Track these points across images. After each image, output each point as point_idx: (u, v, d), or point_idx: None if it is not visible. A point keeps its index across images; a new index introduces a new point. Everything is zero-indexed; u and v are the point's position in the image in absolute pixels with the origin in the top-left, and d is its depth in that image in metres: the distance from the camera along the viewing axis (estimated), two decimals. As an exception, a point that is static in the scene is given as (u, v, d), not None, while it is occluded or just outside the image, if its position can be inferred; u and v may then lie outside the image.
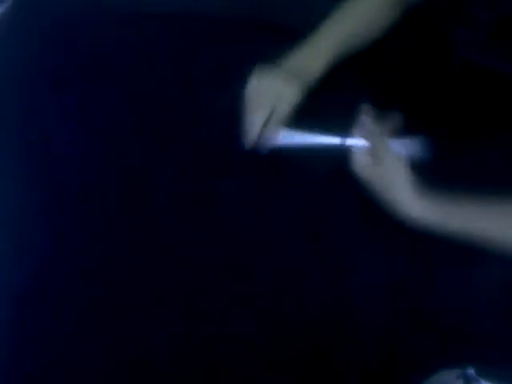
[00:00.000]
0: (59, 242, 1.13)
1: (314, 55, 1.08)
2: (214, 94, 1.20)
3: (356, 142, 1.03)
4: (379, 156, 1.00)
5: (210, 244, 1.12)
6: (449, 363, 0.98)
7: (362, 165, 1.01)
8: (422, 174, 1.02)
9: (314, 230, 1.11)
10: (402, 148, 1.05)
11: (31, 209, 1.15)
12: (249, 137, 1.07)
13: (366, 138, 1.01)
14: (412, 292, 1.05)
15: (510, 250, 0.96)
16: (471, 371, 0.94)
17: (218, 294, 1.09)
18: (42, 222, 1.14)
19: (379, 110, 1.04)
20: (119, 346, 1.07)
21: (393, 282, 1.05)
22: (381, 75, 1.15)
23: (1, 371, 1.06)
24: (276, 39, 1.20)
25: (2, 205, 1.15)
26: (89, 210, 1.14)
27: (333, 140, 1.06)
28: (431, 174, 1.03)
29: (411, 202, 0.98)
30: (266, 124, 1.05)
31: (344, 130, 1.06)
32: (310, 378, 1.04)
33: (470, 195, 0.98)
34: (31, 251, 1.12)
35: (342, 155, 1.04)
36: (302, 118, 1.08)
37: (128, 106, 1.21)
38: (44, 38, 1.24)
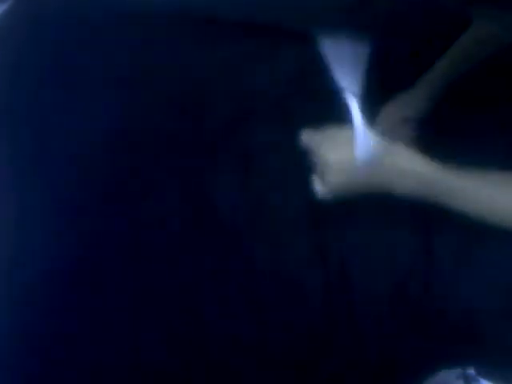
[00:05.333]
0: (59, 242, 1.13)
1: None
2: (213, 93, 1.20)
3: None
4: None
5: (209, 244, 1.12)
6: (449, 363, 0.98)
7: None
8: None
9: (315, 230, 1.11)
10: None
11: (31, 209, 1.15)
12: None
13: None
14: (412, 292, 1.05)
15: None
16: (471, 371, 0.94)
17: (218, 294, 1.09)
18: (41, 223, 1.14)
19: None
20: (119, 346, 1.07)
21: (393, 282, 1.05)
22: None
23: (1, 371, 1.06)
24: (276, 39, 1.20)
25: (1, 204, 1.15)
26: (88, 210, 1.15)
27: None
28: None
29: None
30: None
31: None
32: (309, 378, 1.04)
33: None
34: (31, 251, 1.13)
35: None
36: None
37: (128, 106, 1.21)
38: (44, 38, 1.24)
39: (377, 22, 1.20)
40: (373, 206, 1.10)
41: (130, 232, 1.13)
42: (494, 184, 0.89)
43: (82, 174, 1.17)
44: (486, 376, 0.94)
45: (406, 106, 1.13)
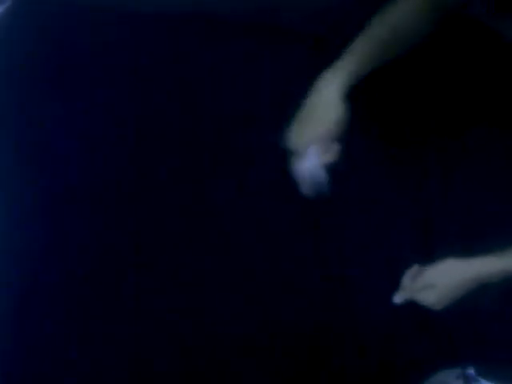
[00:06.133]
0: (59, 242, 1.13)
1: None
2: (213, 93, 1.20)
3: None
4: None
5: (209, 244, 1.12)
6: (449, 363, 0.98)
7: None
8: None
9: (315, 231, 1.11)
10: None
11: (31, 208, 1.15)
12: None
13: None
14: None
15: None
16: (471, 371, 0.94)
17: (218, 294, 1.09)
18: (41, 223, 1.14)
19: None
20: (119, 346, 1.07)
21: (393, 282, 1.05)
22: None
23: (1, 371, 1.06)
24: (276, 39, 1.20)
25: (1, 204, 1.15)
26: (88, 210, 1.15)
27: None
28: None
29: None
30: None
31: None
32: (309, 378, 1.04)
33: None
34: (31, 251, 1.13)
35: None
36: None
37: (127, 106, 1.21)
38: (44, 38, 1.24)
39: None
40: (373, 206, 1.10)
41: (129, 232, 1.13)
42: None
43: (82, 173, 1.17)
44: (486, 376, 0.94)
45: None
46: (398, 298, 1.02)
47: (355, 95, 1.02)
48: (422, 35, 1.03)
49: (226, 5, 1.23)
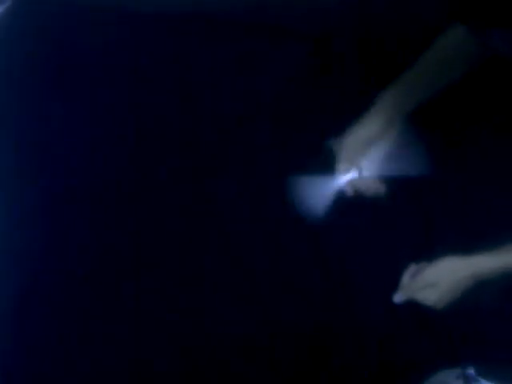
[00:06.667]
0: (59, 242, 1.14)
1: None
2: (213, 93, 1.20)
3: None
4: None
5: (210, 244, 1.12)
6: (449, 363, 0.98)
7: None
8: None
9: (315, 230, 1.11)
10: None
11: (31, 208, 1.15)
12: None
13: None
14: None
15: None
16: (471, 371, 0.94)
17: (218, 293, 1.09)
18: (41, 223, 1.14)
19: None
20: (119, 346, 1.07)
21: (393, 282, 1.05)
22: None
23: (1, 371, 1.06)
24: (276, 39, 1.20)
25: (1, 204, 1.15)
26: (88, 210, 1.15)
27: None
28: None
29: None
30: None
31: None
32: (309, 378, 1.04)
33: None
34: (31, 251, 1.13)
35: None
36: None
37: (127, 106, 1.21)
38: (44, 38, 1.24)
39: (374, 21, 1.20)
40: (373, 206, 1.10)
41: (129, 232, 1.14)
42: None
43: (82, 173, 1.17)
44: (486, 376, 0.94)
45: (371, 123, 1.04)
46: (398, 298, 1.02)
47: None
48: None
49: (226, 5, 1.23)
